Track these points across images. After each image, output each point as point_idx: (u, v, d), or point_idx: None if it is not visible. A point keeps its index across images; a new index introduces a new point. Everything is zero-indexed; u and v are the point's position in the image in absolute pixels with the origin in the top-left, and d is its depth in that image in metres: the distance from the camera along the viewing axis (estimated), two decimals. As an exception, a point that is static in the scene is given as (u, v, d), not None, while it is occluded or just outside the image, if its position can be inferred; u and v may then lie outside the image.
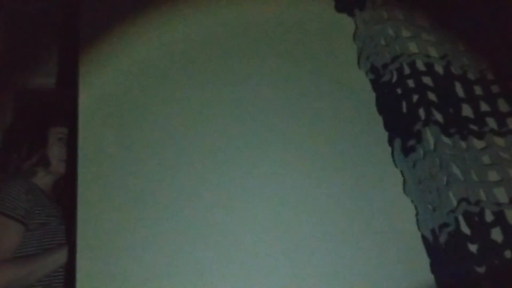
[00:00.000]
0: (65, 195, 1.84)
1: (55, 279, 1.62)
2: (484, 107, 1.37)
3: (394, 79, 1.35)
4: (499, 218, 1.20)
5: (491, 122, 1.35)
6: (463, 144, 1.28)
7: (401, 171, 1.28)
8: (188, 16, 1.45)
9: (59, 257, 1.60)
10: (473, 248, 1.16)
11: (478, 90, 1.39)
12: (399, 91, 1.34)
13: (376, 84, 1.38)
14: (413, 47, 1.40)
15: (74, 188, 1.20)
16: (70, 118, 1.64)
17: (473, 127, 1.32)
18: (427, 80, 1.35)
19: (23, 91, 2.56)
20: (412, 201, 1.24)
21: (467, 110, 1.35)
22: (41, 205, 1.69)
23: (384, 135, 1.33)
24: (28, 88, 2.56)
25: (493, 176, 1.27)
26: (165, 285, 1.12)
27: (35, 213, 1.65)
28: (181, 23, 1.44)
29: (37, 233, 1.64)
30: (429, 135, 1.26)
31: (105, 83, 1.33)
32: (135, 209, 1.19)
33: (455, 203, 1.19)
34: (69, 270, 1.53)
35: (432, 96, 1.33)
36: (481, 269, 1.13)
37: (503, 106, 1.38)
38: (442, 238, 1.15)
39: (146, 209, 1.19)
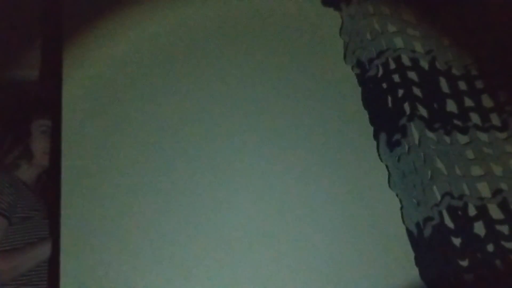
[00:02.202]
0: (48, 189, 1.83)
1: (39, 273, 1.61)
2: (468, 102, 1.38)
3: (380, 73, 1.36)
4: (482, 212, 1.21)
5: (475, 118, 1.36)
6: (447, 139, 1.30)
7: (386, 166, 1.28)
8: (173, 10, 1.44)
9: (43, 251, 1.58)
10: (456, 241, 1.17)
11: (462, 85, 1.40)
12: (384, 85, 1.34)
13: (362, 79, 1.38)
14: (398, 42, 1.40)
15: (58, 182, 1.19)
16: (53, 111, 1.62)
17: (457, 122, 1.33)
18: (412, 75, 1.36)
19: (6, 84, 2.52)
20: (397, 195, 1.25)
21: (451, 105, 1.36)
22: (24, 198, 1.67)
23: (370, 129, 1.33)
24: (11, 80, 2.52)
25: (476, 171, 1.28)
26: (150, 279, 1.11)
27: (17, 207, 1.63)
28: (166, 16, 1.43)
29: (20, 227, 1.63)
30: (414, 130, 1.27)
31: (89, 75, 1.32)
32: (120, 202, 1.18)
33: (439, 197, 1.20)
34: (53, 265, 1.52)
35: (417, 91, 1.34)
36: (464, 262, 1.14)
37: (486, 101, 1.39)
38: (426, 232, 1.16)
39: (131, 203, 1.18)
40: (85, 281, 1.10)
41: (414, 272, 1.17)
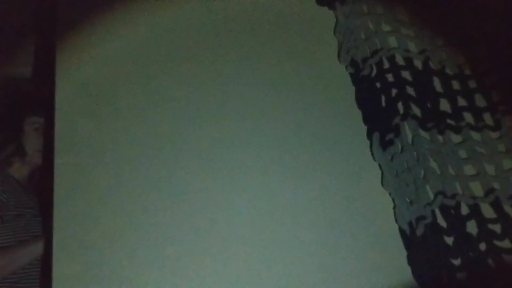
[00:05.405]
0: (41, 186, 1.82)
1: (31, 271, 1.61)
2: (461, 102, 1.38)
3: (374, 73, 1.36)
4: (474, 211, 1.22)
5: (468, 117, 1.37)
6: (440, 138, 1.30)
7: (379, 165, 1.29)
8: (168, 7, 1.44)
9: (35, 249, 1.58)
10: (449, 240, 1.17)
11: (455, 85, 1.41)
12: (378, 85, 1.35)
13: (356, 78, 1.38)
14: (392, 42, 1.41)
15: (51, 179, 1.19)
16: (46, 108, 1.61)
17: (451, 121, 1.34)
18: (406, 74, 1.36)
19: (-2, 81, 2.51)
20: (390, 194, 1.25)
21: (444, 105, 1.37)
22: (16, 196, 1.67)
23: (363, 128, 1.33)
24: (4, 77, 2.51)
25: (469, 170, 1.29)
26: (144, 278, 1.11)
27: (10, 204, 1.63)
28: (161, 13, 1.42)
29: (12, 224, 1.62)
30: (407, 129, 1.27)
31: (82, 72, 1.31)
32: (113, 200, 1.18)
33: (431, 196, 1.20)
34: (45, 263, 1.51)
35: (410, 91, 1.34)
36: (456, 261, 1.15)
37: (479, 101, 1.40)
38: (419, 231, 1.16)
39: (124, 201, 1.18)
40: (78, 279, 1.09)
41: (407, 271, 1.17)
